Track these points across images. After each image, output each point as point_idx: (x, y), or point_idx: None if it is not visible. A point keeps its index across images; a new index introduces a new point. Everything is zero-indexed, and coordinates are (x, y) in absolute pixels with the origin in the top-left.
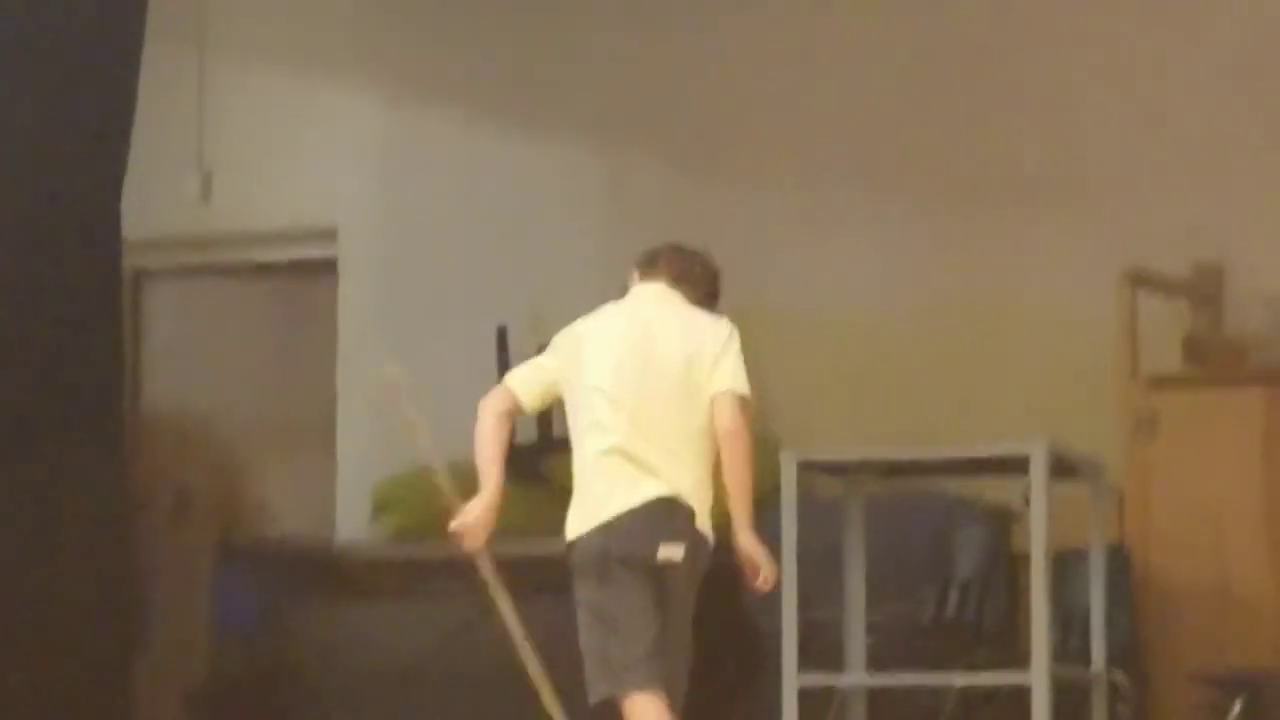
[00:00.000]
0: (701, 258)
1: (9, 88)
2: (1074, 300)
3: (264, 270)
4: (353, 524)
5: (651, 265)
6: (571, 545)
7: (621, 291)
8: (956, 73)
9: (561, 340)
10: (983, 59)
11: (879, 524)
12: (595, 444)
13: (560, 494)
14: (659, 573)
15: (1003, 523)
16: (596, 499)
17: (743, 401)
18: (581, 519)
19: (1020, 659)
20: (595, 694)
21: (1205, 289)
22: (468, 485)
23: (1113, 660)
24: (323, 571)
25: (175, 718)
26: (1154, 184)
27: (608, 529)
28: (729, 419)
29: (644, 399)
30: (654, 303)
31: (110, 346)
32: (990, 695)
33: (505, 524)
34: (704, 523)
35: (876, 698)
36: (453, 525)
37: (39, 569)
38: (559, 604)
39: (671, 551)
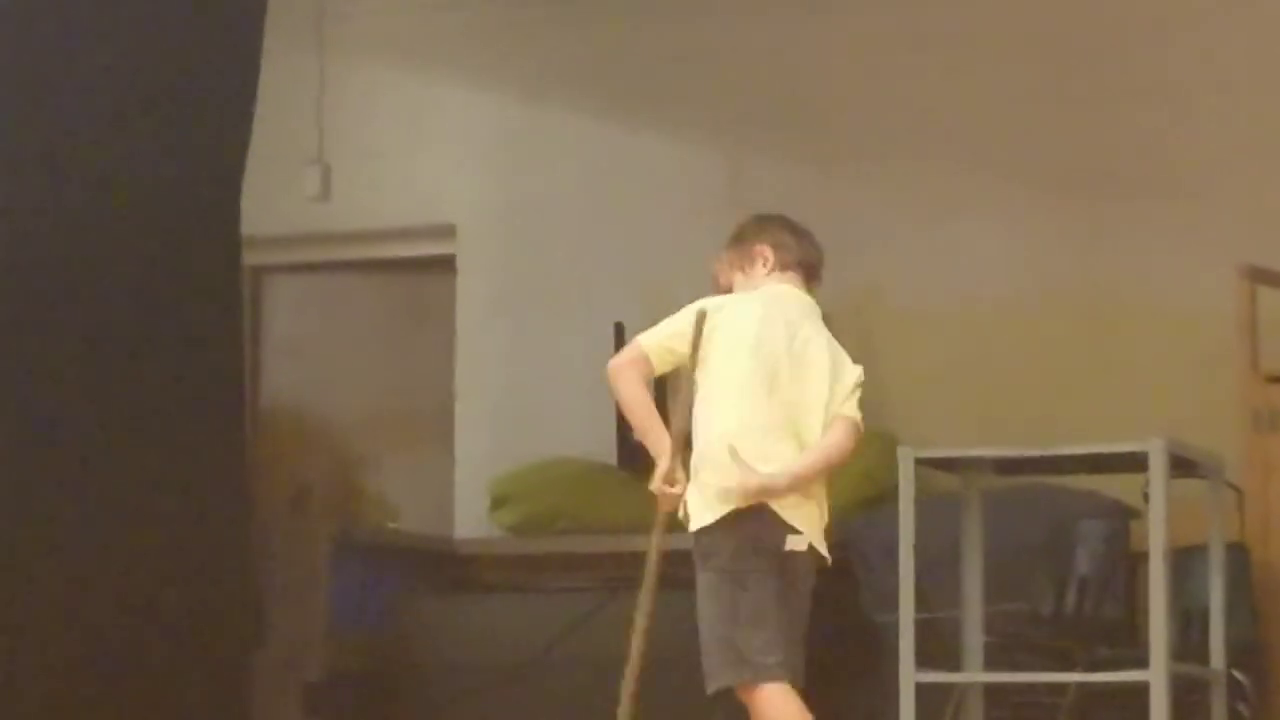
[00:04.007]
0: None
1: (129, 86)
2: (1193, 294)
3: (383, 266)
4: (470, 519)
5: (789, 252)
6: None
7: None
8: (1076, 64)
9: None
10: (1103, 50)
11: (996, 520)
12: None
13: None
14: (785, 562)
15: (1122, 519)
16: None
17: (858, 431)
18: None
19: (1139, 656)
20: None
21: None
22: (585, 475)
23: (1232, 658)
24: (441, 566)
25: (294, 712)
26: (1274, 178)
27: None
28: (846, 439)
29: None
30: (800, 316)
31: (230, 343)
32: (1109, 693)
33: (628, 520)
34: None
35: (994, 694)
36: (653, 487)
37: (160, 564)
38: (683, 597)
39: (796, 543)
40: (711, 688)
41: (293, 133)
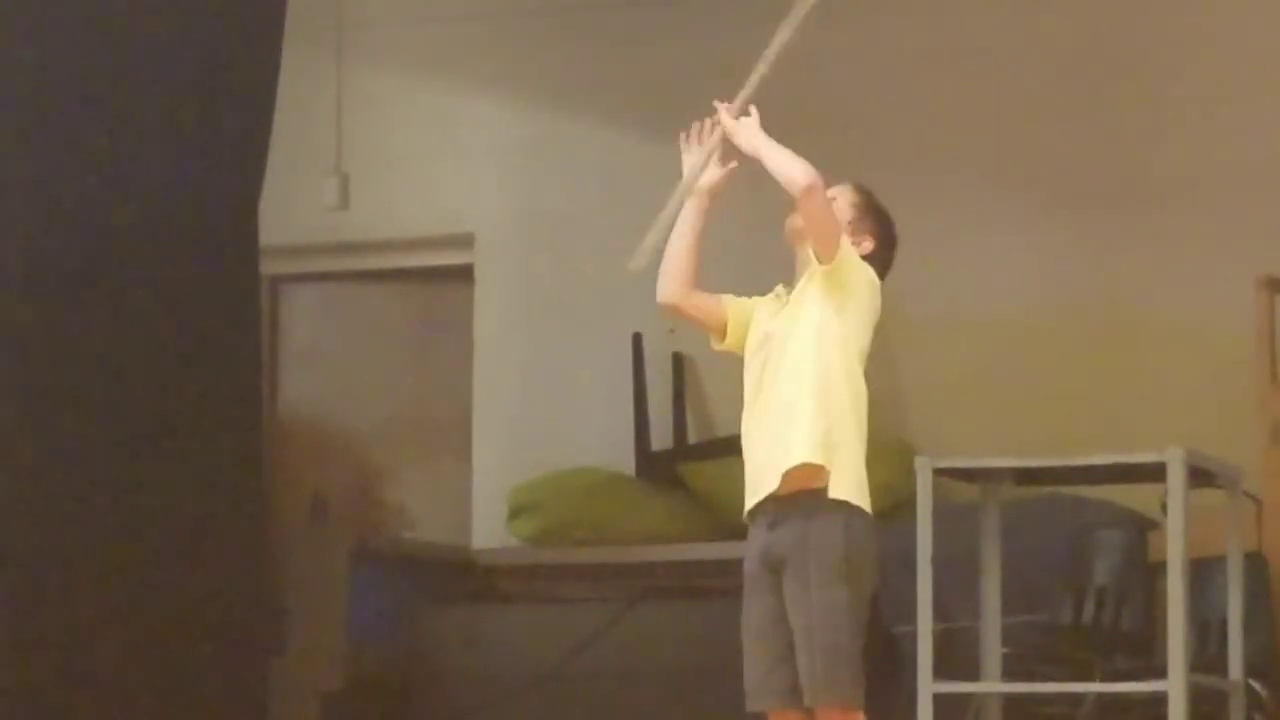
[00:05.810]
0: None
1: (148, 95)
2: (1212, 305)
3: (401, 276)
4: (489, 528)
5: None
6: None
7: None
8: (1097, 77)
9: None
10: (1124, 63)
11: (1015, 530)
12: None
13: (698, 500)
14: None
15: (1140, 529)
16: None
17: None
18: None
19: (1157, 667)
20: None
21: None
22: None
23: (1250, 668)
24: (459, 576)
25: None
26: None
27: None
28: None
29: None
30: None
31: (248, 352)
32: (1127, 703)
33: (646, 531)
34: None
35: (1012, 705)
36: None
37: (178, 573)
38: (701, 608)
39: None
40: (827, 701)
41: (311, 142)
